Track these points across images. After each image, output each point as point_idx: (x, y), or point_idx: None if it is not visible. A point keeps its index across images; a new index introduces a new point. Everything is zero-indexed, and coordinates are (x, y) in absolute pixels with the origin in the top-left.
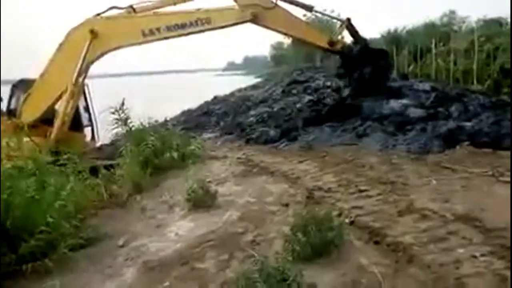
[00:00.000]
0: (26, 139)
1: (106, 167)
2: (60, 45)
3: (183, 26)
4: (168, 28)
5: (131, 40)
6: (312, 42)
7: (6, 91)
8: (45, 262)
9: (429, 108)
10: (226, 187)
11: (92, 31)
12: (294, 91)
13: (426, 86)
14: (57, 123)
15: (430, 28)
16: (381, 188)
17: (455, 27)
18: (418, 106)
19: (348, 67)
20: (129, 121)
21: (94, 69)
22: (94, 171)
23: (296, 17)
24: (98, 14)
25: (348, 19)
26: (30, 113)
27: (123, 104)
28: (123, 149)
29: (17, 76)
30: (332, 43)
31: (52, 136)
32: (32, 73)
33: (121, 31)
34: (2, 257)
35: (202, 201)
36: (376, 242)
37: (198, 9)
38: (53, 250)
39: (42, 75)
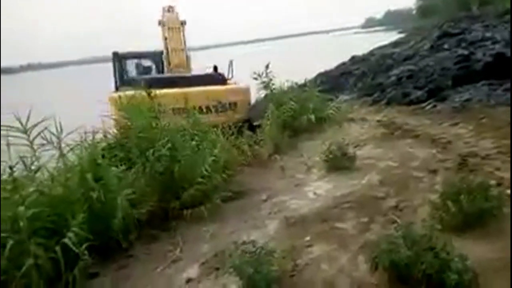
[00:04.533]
0: None
1: (250, 128)
2: None
3: None
4: None
5: None
6: None
7: None
8: (201, 209)
9: None
10: (365, 150)
11: None
12: (446, 46)
13: None
14: None
15: None
16: None
17: None
18: None
19: None
20: (271, 83)
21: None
22: (240, 131)
23: None
24: None
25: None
26: None
27: (267, 67)
28: (264, 112)
29: None
30: None
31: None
32: None
33: None
34: (170, 202)
35: (339, 163)
36: None
37: None
38: (208, 199)
39: None
